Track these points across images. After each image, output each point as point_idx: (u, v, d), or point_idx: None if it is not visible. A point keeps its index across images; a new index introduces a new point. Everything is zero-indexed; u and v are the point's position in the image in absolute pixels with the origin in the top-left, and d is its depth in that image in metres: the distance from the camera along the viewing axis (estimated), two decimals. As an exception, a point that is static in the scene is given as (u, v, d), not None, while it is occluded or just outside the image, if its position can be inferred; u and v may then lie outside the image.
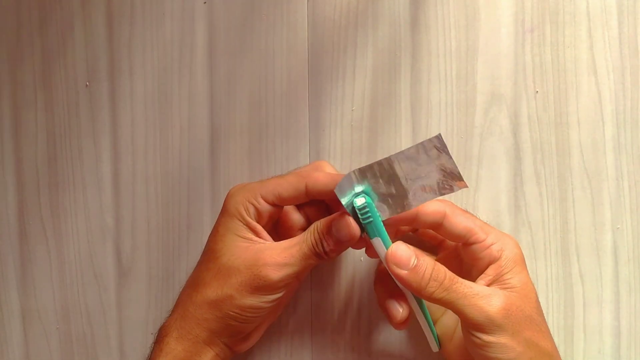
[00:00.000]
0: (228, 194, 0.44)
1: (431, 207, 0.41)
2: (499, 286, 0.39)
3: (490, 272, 0.40)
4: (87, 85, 0.51)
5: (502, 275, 0.39)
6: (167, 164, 0.50)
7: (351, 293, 0.48)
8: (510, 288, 0.39)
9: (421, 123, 0.47)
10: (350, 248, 0.43)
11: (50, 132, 0.51)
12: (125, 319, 0.51)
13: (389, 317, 0.43)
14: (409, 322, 0.43)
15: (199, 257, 0.49)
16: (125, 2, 0.50)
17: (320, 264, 0.45)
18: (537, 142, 0.46)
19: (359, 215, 0.39)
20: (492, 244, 0.40)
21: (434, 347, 0.44)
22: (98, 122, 0.51)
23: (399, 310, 0.42)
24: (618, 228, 0.45)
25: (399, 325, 0.43)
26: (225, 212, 0.43)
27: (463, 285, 0.38)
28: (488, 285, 0.40)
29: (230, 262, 0.42)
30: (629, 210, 0.45)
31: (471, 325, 0.38)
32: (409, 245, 0.40)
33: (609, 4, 0.45)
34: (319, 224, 0.41)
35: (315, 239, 0.41)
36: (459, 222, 0.40)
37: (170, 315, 0.44)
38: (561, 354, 0.46)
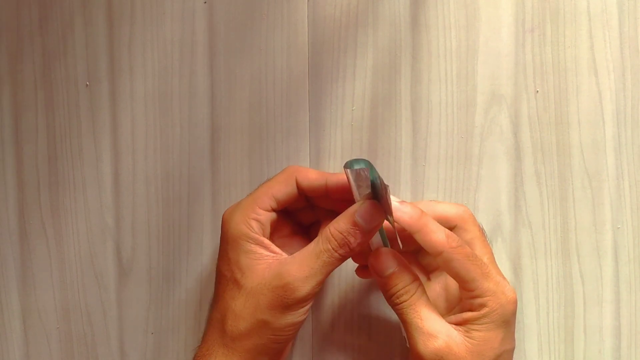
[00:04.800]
0: (224, 219, 0.43)
1: (431, 239, 0.39)
2: (463, 331, 0.39)
3: (464, 316, 0.40)
4: (87, 85, 0.51)
5: (470, 324, 0.39)
6: (167, 164, 0.50)
7: (352, 292, 0.48)
8: (469, 338, 0.39)
9: (421, 123, 0.47)
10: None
11: (51, 131, 0.51)
12: (125, 319, 0.51)
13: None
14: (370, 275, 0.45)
15: (199, 257, 0.50)
16: (125, 1, 0.50)
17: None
18: (538, 142, 0.46)
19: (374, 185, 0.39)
20: (475, 297, 0.39)
21: (406, 342, 0.44)
22: (98, 122, 0.51)
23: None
24: (618, 228, 0.45)
25: (358, 270, 0.45)
26: (228, 237, 0.43)
27: (417, 315, 0.40)
28: (456, 323, 0.40)
29: (254, 287, 0.41)
30: (629, 210, 0.45)
31: (410, 350, 0.40)
32: (396, 255, 0.41)
33: (609, 4, 0.45)
34: (336, 225, 0.40)
35: (338, 242, 0.40)
36: (450, 268, 0.39)
37: (203, 352, 0.43)
38: (561, 354, 0.46)
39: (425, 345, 0.39)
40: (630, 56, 0.45)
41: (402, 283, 0.40)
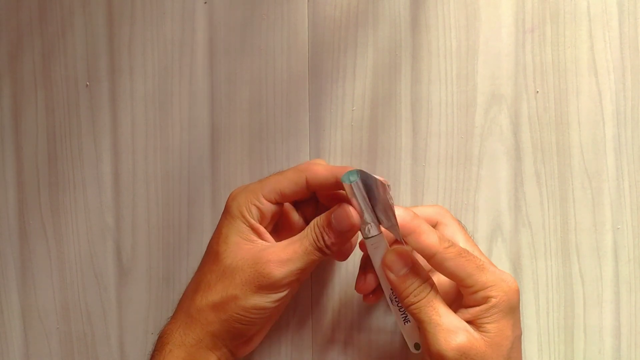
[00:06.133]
0: (230, 197, 0.44)
1: (424, 241, 0.39)
2: (475, 327, 0.39)
3: (471, 312, 0.40)
4: (87, 85, 0.51)
5: (480, 318, 0.39)
6: (167, 164, 0.50)
7: (352, 291, 0.48)
8: (483, 332, 0.39)
9: (421, 123, 0.47)
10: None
11: (51, 131, 0.51)
12: (125, 318, 0.51)
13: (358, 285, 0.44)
14: (378, 298, 0.44)
15: (199, 257, 0.49)
16: (125, 1, 0.50)
17: (322, 261, 0.45)
18: (538, 142, 0.46)
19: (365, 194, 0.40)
20: (477, 291, 0.39)
21: (412, 349, 0.44)
22: (98, 122, 0.51)
23: (365, 281, 0.44)
24: (618, 228, 0.45)
25: (365, 297, 0.44)
26: (227, 214, 0.43)
27: (435, 313, 0.39)
28: (466, 321, 0.40)
29: (234, 263, 0.42)
30: (629, 210, 0.45)
31: (428, 350, 0.39)
32: (410, 254, 0.41)
33: (609, 4, 0.45)
34: (319, 219, 0.42)
35: (316, 234, 0.41)
36: (445, 268, 0.39)
37: (171, 321, 0.44)
38: (561, 354, 0.46)
39: (447, 342, 0.38)
40: (630, 56, 0.45)
41: (418, 281, 0.40)
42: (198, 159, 0.50)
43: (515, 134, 0.46)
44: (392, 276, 0.41)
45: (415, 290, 0.40)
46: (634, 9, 0.45)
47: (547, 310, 0.46)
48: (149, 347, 0.50)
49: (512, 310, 0.40)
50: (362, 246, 0.43)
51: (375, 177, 0.39)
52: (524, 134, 0.46)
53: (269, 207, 0.43)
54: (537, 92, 0.46)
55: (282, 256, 0.41)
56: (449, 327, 0.39)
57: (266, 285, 0.41)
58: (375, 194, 0.40)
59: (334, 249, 0.41)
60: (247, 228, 0.43)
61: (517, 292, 0.40)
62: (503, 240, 0.46)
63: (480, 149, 0.46)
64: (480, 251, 0.43)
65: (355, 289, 0.44)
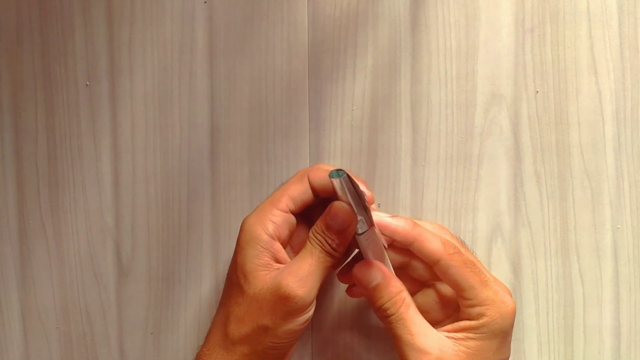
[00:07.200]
0: (242, 223, 0.43)
1: (428, 247, 0.39)
2: (458, 338, 0.39)
3: (461, 324, 0.40)
4: (87, 84, 0.51)
5: (467, 332, 0.39)
6: (167, 164, 0.50)
7: (351, 293, 0.48)
8: (463, 347, 0.39)
9: (421, 123, 0.47)
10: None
11: (50, 131, 0.51)
12: (125, 318, 0.51)
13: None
14: (362, 294, 0.44)
15: (199, 257, 0.50)
16: (125, 2, 0.50)
17: (336, 265, 0.44)
18: (537, 142, 0.46)
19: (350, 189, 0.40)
20: (474, 306, 0.39)
21: None
22: (98, 122, 0.51)
23: (347, 271, 0.43)
24: (618, 228, 0.45)
25: (349, 290, 0.45)
26: (240, 240, 0.43)
27: (407, 331, 0.39)
28: (452, 331, 0.40)
29: (256, 293, 0.41)
30: (629, 210, 0.45)
31: None
32: (382, 267, 0.40)
33: (609, 4, 0.45)
34: (316, 226, 0.41)
35: (320, 241, 0.41)
36: (448, 276, 0.39)
37: (204, 351, 0.43)
38: (561, 354, 0.46)
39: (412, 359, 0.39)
40: (630, 56, 0.45)
41: (387, 295, 0.40)
42: (198, 159, 0.50)
43: (515, 134, 0.46)
44: (363, 290, 0.41)
45: (384, 304, 0.40)
46: (634, 9, 0.45)
47: (546, 310, 0.46)
48: (149, 347, 0.50)
49: (503, 333, 0.40)
50: (355, 243, 0.42)
51: (358, 185, 0.40)
52: (523, 134, 0.46)
53: (283, 219, 0.42)
54: (537, 92, 0.46)
55: (300, 273, 0.40)
56: (421, 346, 0.39)
57: (293, 310, 0.40)
58: (360, 195, 0.40)
59: (340, 250, 0.41)
60: (261, 250, 0.42)
61: (513, 316, 0.40)
62: (503, 240, 0.46)
63: (480, 149, 0.46)
64: (483, 267, 0.43)
65: (337, 274, 0.44)
